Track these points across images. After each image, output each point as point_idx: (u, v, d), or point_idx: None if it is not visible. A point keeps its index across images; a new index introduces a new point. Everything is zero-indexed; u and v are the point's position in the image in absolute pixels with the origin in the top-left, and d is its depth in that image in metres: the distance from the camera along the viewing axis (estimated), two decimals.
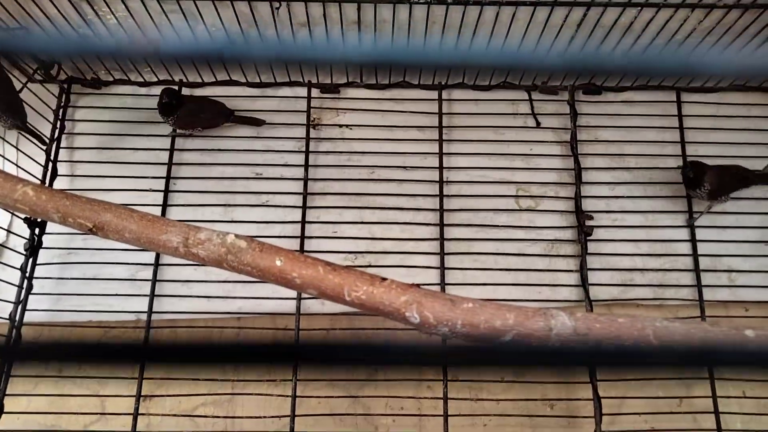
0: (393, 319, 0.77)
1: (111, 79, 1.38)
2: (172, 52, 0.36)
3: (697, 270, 1.23)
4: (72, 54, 0.52)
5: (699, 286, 1.22)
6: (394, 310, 0.76)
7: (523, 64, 0.36)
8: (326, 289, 0.79)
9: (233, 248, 0.82)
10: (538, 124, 1.35)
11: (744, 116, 1.33)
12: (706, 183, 1.17)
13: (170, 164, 1.30)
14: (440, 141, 1.31)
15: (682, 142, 1.30)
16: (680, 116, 1.33)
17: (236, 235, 0.83)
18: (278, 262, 0.81)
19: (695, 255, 1.24)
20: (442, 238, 1.25)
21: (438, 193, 1.28)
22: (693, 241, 1.25)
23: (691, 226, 1.26)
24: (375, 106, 1.37)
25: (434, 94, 1.36)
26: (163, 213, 1.25)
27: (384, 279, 0.78)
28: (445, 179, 1.29)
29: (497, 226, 1.28)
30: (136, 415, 1.07)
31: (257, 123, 1.32)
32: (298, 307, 1.17)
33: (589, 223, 1.25)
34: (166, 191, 1.28)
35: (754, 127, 1.33)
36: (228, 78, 1.38)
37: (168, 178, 1.29)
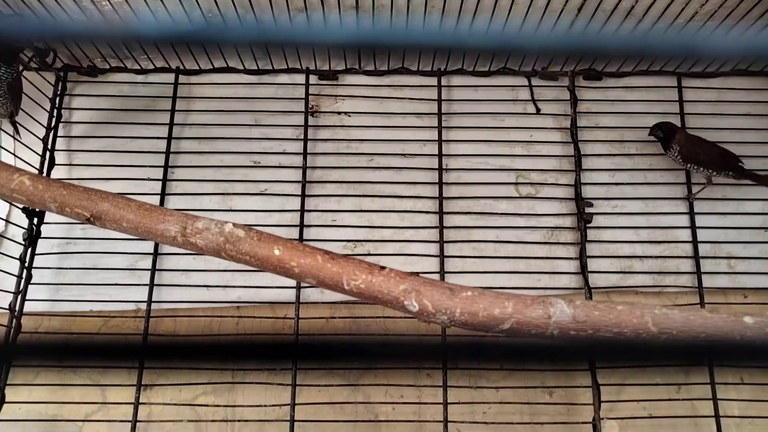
0: (392, 308, 0.77)
1: (107, 66, 1.36)
2: (166, 36, 0.35)
3: (696, 257, 1.23)
4: (66, 39, 0.51)
5: (698, 273, 1.22)
6: (392, 299, 0.76)
7: (523, 46, 0.36)
8: (325, 278, 0.79)
9: (231, 237, 0.82)
10: (538, 111, 1.34)
11: (745, 101, 1.32)
12: (675, 144, 1.17)
13: (168, 153, 1.29)
14: (439, 128, 1.30)
15: (684, 128, 1.29)
16: (681, 101, 1.32)
17: (234, 224, 0.83)
18: (277, 251, 0.81)
19: (695, 242, 1.24)
20: (441, 226, 1.25)
21: (437, 181, 1.27)
22: (693, 227, 1.25)
23: (690, 201, 1.25)
24: (374, 92, 1.36)
25: (433, 81, 1.34)
26: (162, 202, 1.24)
27: (383, 268, 0.78)
28: (444, 166, 1.29)
29: (497, 213, 1.27)
30: (137, 404, 1.08)
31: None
32: (298, 296, 1.17)
33: (588, 210, 1.25)
34: (164, 180, 1.27)
35: (756, 112, 1.32)
36: (225, 65, 1.36)
37: (166, 167, 1.28)
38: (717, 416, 1.15)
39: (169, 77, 1.35)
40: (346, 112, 1.35)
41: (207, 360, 0.91)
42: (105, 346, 0.40)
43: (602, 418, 1.11)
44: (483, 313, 0.73)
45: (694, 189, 1.27)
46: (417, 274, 0.77)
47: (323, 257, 0.80)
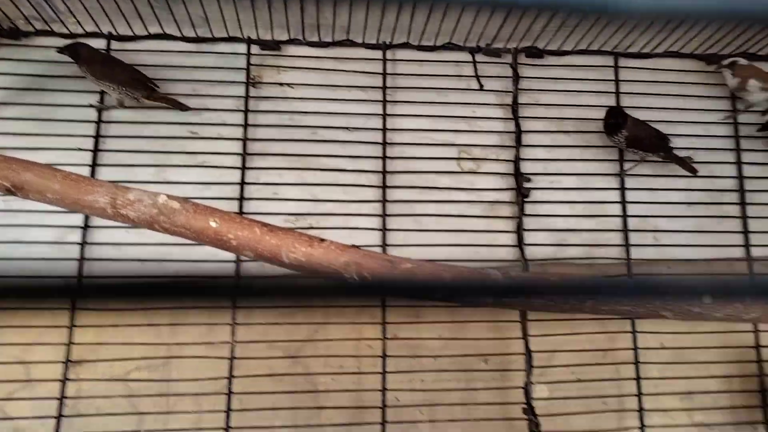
0: (332, 280, 0.77)
1: (32, 29, 1.28)
2: None
3: (625, 230, 1.29)
4: None
5: (627, 245, 1.28)
6: (332, 271, 0.76)
7: None
8: (263, 251, 0.78)
9: (165, 209, 0.80)
10: (481, 87, 1.35)
11: (678, 82, 1.37)
12: (624, 130, 1.22)
13: (99, 122, 1.24)
14: (384, 102, 1.30)
15: (619, 107, 1.33)
16: (617, 81, 1.36)
17: (169, 196, 0.80)
18: (213, 224, 0.79)
19: (624, 216, 1.30)
20: (384, 200, 1.25)
21: (381, 155, 1.27)
22: (623, 202, 1.30)
23: (622, 177, 1.31)
24: (317, 64, 1.33)
25: (378, 54, 1.33)
26: (92, 173, 1.19)
27: (323, 240, 0.78)
28: (388, 141, 1.29)
29: (439, 188, 1.29)
30: (64, 380, 1.05)
31: (181, 107, 1.25)
32: (237, 271, 1.16)
33: (527, 185, 1.28)
34: (95, 150, 1.22)
35: (687, 93, 1.37)
36: (161, 32, 1.30)
37: (97, 136, 1.23)
38: (638, 378, 1.22)
39: (101, 43, 1.28)
40: (288, 84, 1.33)
41: (143, 299, 0.89)
42: (33, 286, 0.38)
43: (533, 383, 1.17)
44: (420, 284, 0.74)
45: (626, 166, 1.32)
46: (357, 246, 0.77)
47: (262, 230, 0.79)
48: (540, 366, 1.20)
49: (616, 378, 1.22)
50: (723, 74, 1.34)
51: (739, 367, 1.27)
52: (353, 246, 0.78)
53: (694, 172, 1.28)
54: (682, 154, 1.32)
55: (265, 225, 0.81)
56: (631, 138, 1.24)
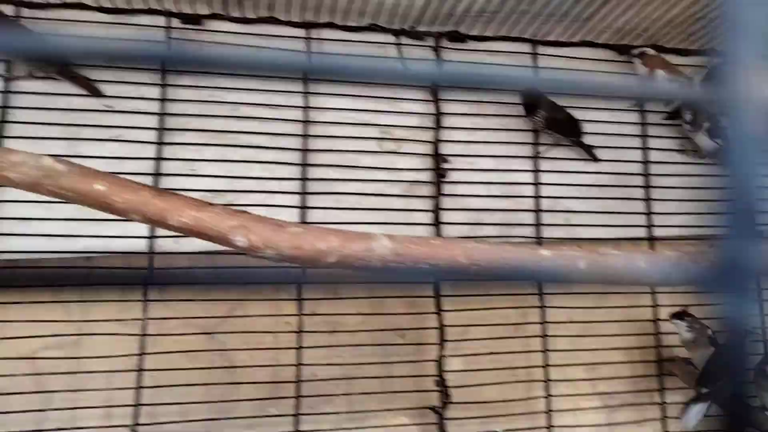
0: (221, 244, 0.78)
1: None
2: None
3: (538, 210, 1.35)
4: None
5: (538, 225, 1.34)
6: (220, 235, 0.77)
7: None
8: (151, 214, 0.78)
9: (50, 172, 0.78)
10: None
11: (592, 71, 1.44)
12: (541, 110, 1.28)
13: (6, 92, 1.19)
14: (306, 80, 1.30)
15: (536, 89, 1.38)
16: (535, 67, 1.41)
17: (54, 159, 0.79)
18: (99, 186, 0.78)
19: (537, 197, 1.35)
20: (304, 178, 1.26)
21: (302, 133, 1.28)
22: (537, 184, 1.36)
23: (536, 159, 1.37)
24: (240, 41, 1.32)
25: (302, 33, 1.33)
26: None
27: (212, 204, 0.78)
28: (310, 119, 1.29)
29: (360, 167, 1.31)
30: None
31: (95, 93, 1.21)
32: (151, 246, 1.14)
33: (445, 166, 1.32)
34: (2, 122, 1.17)
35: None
36: (76, 0, 1.26)
37: (4, 107, 1.18)
38: (545, 350, 1.29)
39: (9, 9, 1.22)
40: None
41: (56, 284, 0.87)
42: None
43: (445, 356, 1.21)
44: (309, 248, 0.76)
45: (541, 148, 1.38)
46: (246, 211, 0.78)
47: (150, 193, 0.79)
48: (454, 340, 1.24)
49: (525, 350, 1.29)
50: (634, 64, 1.41)
51: (639, 339, 1.36)
52: (243, 210, 0.79)
53: (596, 160, 1.36)
54: (594, 139, 1.38)
55: (154, 189, 0.81)
56: (549, 119, 1.29)
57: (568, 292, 1.31)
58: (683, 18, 1.34)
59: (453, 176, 1.33)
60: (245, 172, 1.26)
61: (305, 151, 1.27)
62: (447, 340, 1.21)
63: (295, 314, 1.20)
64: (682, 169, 1.42)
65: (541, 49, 1.43)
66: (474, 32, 1.39)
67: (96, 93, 1.21)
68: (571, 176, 1.38)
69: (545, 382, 1.29)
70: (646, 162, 1.42)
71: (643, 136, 1.43)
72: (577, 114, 1.35)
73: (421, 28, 1.38)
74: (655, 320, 1.36)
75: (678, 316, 1.25)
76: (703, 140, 1.40)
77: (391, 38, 1.38)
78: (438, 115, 1.34)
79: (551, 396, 1.28)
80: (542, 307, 1.31)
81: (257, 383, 1.18)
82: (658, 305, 1.36)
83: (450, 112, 1.36)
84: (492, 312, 1.29)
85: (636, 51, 1.40)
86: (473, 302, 1.27)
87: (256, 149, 1.27)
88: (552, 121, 1.30)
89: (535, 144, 1.38)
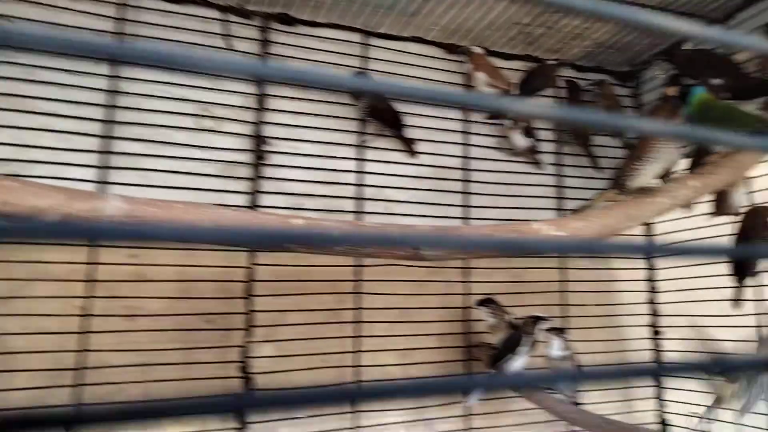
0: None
1: None
2: None
3: (359, 198, 1.37)
4: None
5: (359, 212, 1.36)
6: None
7: None
8: None
9: None
10: (229, 47, 1.33)
11: (421, 66, 1.49)
12: (364, 98, 1.30)
13: None
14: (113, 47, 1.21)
15: (363, 74, 1.41)
16: (365, 58, 1.43)
17: None
18: None
19: (359, 185, 1.37)
20: (105, 152, 1.18)
21: (106, 104, 1.19)
22: (359, 172, 1.38)
23: (360, 147, 1.39)
24: (47, 16, 1.20)
25: None
26: None
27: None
28: (118, 89, 1.21)
29: (172, 143, 1.24)
30: None
31: None
32: None
33: (266, 147, 1.30)
34: None
35: (430, 78, 1.49)
36: None
37: None
38: (360, 336, 1.31)
39: None
40: (7, 16, 1.18)
41: None
42: None
43: (252, 342, 1.19)
44: (24, 204, 0.69)
45: (365, 138, 1.40)
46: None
47: None
48: (267, 325, 1.22)
49: (341, 336, 1.30)
50: (462, 61, 1.48)
51: (452, 325, 1.43)
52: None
53: (413, 153, 1.41)
54: (418, 132, 1.44)
55: None
56: (371, 107, 1.31)
57: (388, 279, 1.34)
58: (502, 22, 1.43)
59: (276, 159, 1.31)
60: (35, 141, 1.15)
61: (109, 122, 1.18)
62: (256, 326, 1.18)
63: (81, 296, 1.12)
64: (498, 166, 1.51)
65: (373, 41, 1.45)
66: (304, 17, 1.39)
67: None
68: (394, 166, 1.42)
69: (355, 368, 1.31)
70: (464, 157, 1.49)
71: (465, 132, 1.51)
72: (403, 106, 1.39)
73: (250, 7, 1.34)
74: (465, 307, 1.43)
75: (483, 303, 1.33)
76: (518, 139, 1.51)
77: (216, 14, 1.33)
78: (262, 96, 1.31)
79: (361, 381, 1.30)
80: (357, 293, 1.32)
81: (36, 371, 1.07)
82: (470, 293, 1.44)
83: (275, 94, 1.34)
84: (308, 298, 1.29)
85: (465, 48, 1.47)
86: (288, 288, 1.26)
87: (51, 117, 1.16)
88: (374, 110, 1.32)
89: (361, 133, 1.40)
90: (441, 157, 1.46)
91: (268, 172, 1.30)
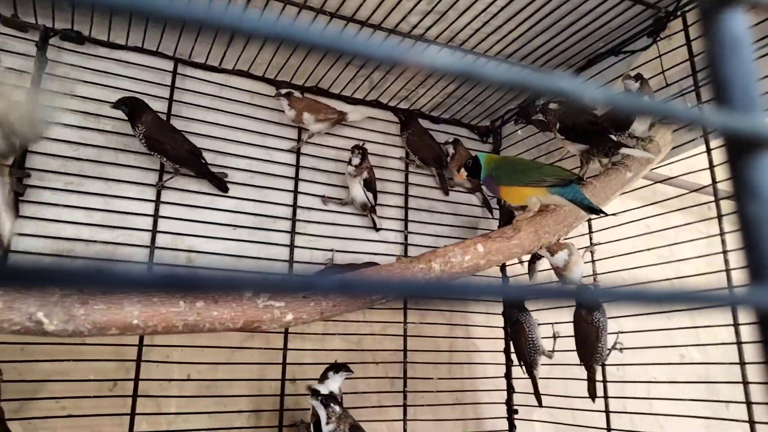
0: None
1: None
2: None
3: (152, 246, 1.15)
4: None
5: (151, 264, 1.14)
6: None
7: None
8: None
9: None
10: None
11: (247, 103, 1.33)
12: (140, 125, 1.12)
13: None
14: None
15: (168, 114, 1.22)
16: (173, 87, 1.26)
17: None
18: None
19: (155, 230, 1.16)
20: None
21: None
22: (156, 216, 1.17)
23: (158, 189, 1.18)
24: None
25: None
26: None
27: None
28: None
29: None
30: None
31: None
32: None
33: (25, 180, 1.06)
34: None
35: (256, 116, 1.34)
36: None
37: None
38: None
39: None
40: None
41: None
42: None
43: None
44: None
45: (165, 177, 1.20)
46: None
47: None
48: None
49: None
50: (281, 103, 1.34)
51: (267, 400, 1.20)
52: None
53: (225, 191, 1.23)
54: (241, 174, 1.26)
55: None
56: (150, 138, 1.12)
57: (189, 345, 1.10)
58: (339, 62, 1.31)
59: (40, 195, 1.07)
60: None
61: None
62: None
63: None
64: (326, 216, 1.35)
65: (185, 69, 1.28)
66: (101, 36, 1.20)
67: None
68: (199, 212, 1.21)
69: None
70: (294, 206, 1.32)
71: (295, 179, 1.34)
72: (228, 147, 1.22)
73: (27, 19, 1.14)
74: (283, 380, 1.21)
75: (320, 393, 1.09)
76: (357, 190, 1.36)
77: None
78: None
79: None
80: (146, 361, 1.07)
81: None
82: (293, 363, 1.22)
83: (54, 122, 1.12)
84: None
85: (283, 90, 1.33)
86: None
87: None
88: (154, 142, 1.12)
89: (160, 171, 1.20)
90: (266, 205, 1.28)
91: (30, 210, 1.06)
